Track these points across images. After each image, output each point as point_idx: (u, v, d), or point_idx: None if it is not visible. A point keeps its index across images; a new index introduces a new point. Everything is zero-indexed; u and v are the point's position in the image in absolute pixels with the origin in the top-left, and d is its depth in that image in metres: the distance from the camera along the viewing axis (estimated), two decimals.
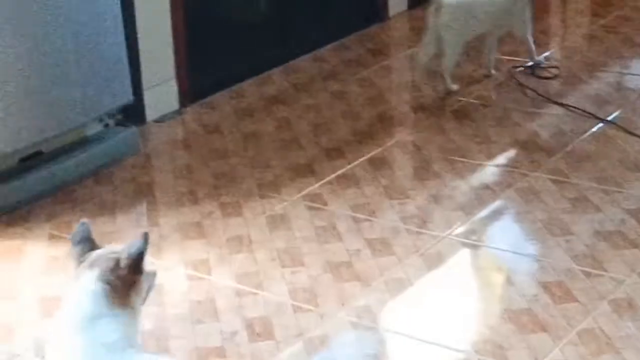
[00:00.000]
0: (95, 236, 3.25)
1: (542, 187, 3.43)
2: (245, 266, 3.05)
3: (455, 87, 4.28)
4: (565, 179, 3.48)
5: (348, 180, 3.56)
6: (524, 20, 4.37)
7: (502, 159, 3.69)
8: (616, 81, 4.34)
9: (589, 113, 3.97)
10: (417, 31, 4.99)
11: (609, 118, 3.92)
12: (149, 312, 2.80)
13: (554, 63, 4.51)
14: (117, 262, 2.12)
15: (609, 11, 5.03)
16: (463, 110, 4.08)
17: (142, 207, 3.46)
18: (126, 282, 2.12)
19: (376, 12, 5.15)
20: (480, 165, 3.67)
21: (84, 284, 2.12)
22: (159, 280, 2.74)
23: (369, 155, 3.73)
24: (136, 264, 2.12)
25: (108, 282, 2.09)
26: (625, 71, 4.45)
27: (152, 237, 3.19)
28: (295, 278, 2.98)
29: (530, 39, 4.42)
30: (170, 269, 3.06)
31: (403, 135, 3.93)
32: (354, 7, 5.06)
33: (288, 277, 2.99)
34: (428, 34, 4.27)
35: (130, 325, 2.12)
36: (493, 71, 4.42)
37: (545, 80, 4.34)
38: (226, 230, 3.27)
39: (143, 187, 3.60)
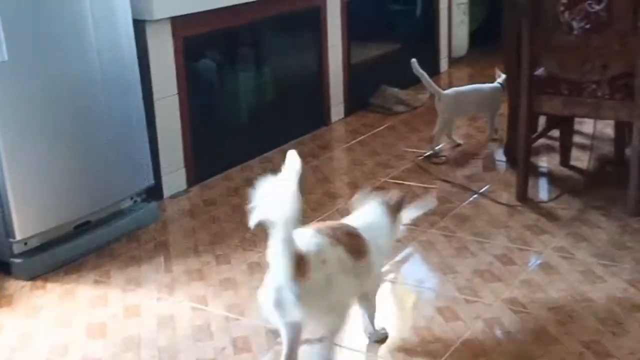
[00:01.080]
0: (124, 279, 3.26)
1: (436, 240, 3.46)
2: (232, 300, 3.02)
3: (437, 148, 4.53)
4: (452, 234, 3.50)
5: None
6: (496, 107, 4.64)
7: (408, 220, 3.71)
8: (485, 166, 4.39)
9: (467, 187, 4.01)
10: (351, 132, 5.07)
11: (481, 191, 3.96)
12: (166, 334, 2.82)
13: (444, 153, 4.55)
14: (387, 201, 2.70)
15: (480, 116, 5.09)
16: (382, 187, 4.11)
17: (161, 259, 3.41)
18: (393, 211, 2.68)
19: (323, 119, 5.20)
20: None
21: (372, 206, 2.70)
22: (172, 312, 2.76)
23: (319, 219, 3.74)
24: (398, 206, 2.72)
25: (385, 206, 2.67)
26: (493, 158, 4.50)
27: (167, 281, 3.22)
28: None
29: (495, 120, 4.67)
30: (180, 303, 3.03)
31: (342, 204, 3.94)
32: (308, 115, 5.10)
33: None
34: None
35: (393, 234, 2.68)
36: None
37: (438, 165, 4.38)
38: (219, 274, 3.24)
39: (161, 244, 3.57)
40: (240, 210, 3.89)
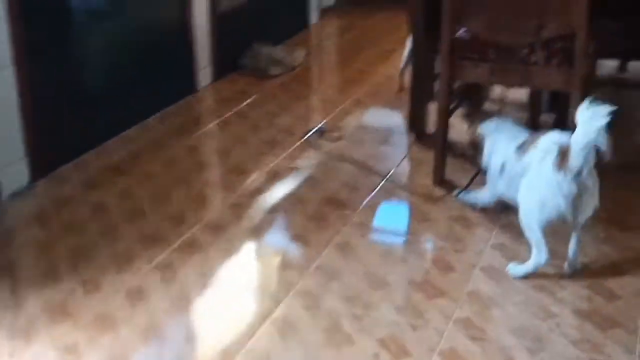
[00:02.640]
0: None
1: (356, 243, 2.88)
2: (114, 346, 2.31)
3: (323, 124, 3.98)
4: (373, 233, 2.95)
5: (192, 246, 2.88)
6: None
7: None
8: (383, 138, 3.86)
9: (375, 171, 3.45)
10: (224, 101, 4.35)
11: (390, 174, 3.41)
12: None
13: (337, 128, 3.93)
14: None
15: (360, 86, 4.56)
16: (277, 171, 3.48)
17: (5, 289, 2.61)
18: None
19: (189, 85, 4.45)
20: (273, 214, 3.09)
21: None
22: None
23: (205, 220, 3.06)
24: None
25: None
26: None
27: (20, 322, 2.44)
28: (160, 354, 2.30)
29: None
30: (42, 356, 2.29)
31: (233, 199, 3.26)
32: (171, 82, 4.31)
33: (152, 354, 2.30)
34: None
35: None
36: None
37: (333, 142, 3.78)
38: (90, 308, 2.49)
39: (4, 268, 2.74)
40: (105, 211, 3.14)
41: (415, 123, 3.82)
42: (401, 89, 4.28)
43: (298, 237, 2.93)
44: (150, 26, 4.19)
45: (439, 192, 3.24)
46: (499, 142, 2.88)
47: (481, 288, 2.58)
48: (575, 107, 2.98)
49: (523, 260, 2.65)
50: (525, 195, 2.64)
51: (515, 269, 2.64)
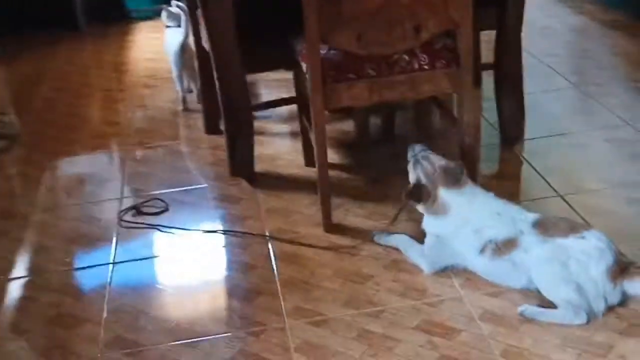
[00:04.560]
0: None
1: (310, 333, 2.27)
2: None
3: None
4: (319, 316, 2.35)
5: None
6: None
7: None
8: (214, 194, 3.20)
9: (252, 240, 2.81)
10: None
11: (267, 234, 2.82)
12: None
13: (146, 197, 3.13)
14: None
15: (123, 139, 3.77)
16: (124, 272, 2.65)
17: None
18: None
19: None
20: None
21: None
22: None
23: None
24: None
25: None
26: None
27: None
28: None
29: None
30: None
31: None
32: None
33: None
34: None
35: None
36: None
37: (158, 216, 3.01)
38: None
39: None
40: None
41: (242, 166, 3.22)
42: (186, 108, 3.95)
43: None
44: None
45: (342, 241, 2.74)
46: (476, 216, 2.42)
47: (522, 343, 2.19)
48: (469, 108, 2.75)
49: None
50: (550, 278, 2.27)
51: (532, 310, 2.29)
